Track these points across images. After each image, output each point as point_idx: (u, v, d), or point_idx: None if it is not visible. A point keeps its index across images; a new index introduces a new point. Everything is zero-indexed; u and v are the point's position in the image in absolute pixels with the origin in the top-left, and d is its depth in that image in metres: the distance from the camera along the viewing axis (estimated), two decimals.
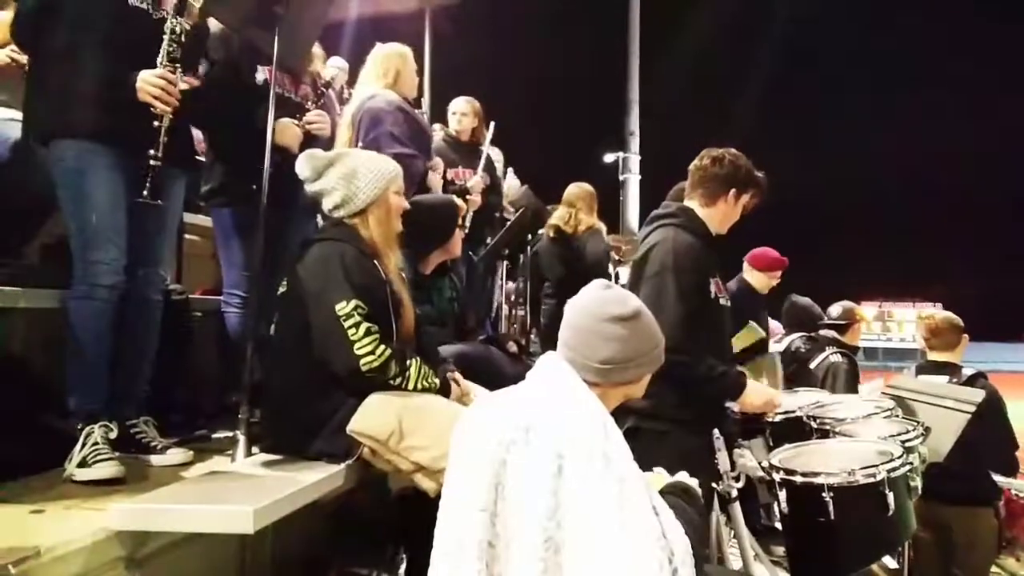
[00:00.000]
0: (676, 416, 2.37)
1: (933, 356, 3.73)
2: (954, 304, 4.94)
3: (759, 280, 4.81)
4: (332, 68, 4.65)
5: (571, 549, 1.36)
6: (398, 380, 2.17)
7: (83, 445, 2.04)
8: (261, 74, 2.80)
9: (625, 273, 4.03)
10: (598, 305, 1.59)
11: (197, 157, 2.78)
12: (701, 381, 2.42)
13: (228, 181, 2.81)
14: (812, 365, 4.82)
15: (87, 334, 2.12)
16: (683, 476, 1.79)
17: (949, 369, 3.62)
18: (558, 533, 1.37)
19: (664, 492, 1.64)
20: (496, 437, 1.47)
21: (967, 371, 3.59)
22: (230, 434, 2.44)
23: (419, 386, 2.22)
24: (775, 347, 5.47)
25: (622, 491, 1.38)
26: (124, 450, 2.19)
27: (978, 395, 2.92)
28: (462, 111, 4.55)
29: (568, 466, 1.39)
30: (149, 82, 2.15)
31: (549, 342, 5.25)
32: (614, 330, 1.55)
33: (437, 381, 2.30)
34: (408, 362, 2.21)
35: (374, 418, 2.09)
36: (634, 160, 13.53)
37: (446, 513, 1.50)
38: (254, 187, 2.46)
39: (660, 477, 1.77)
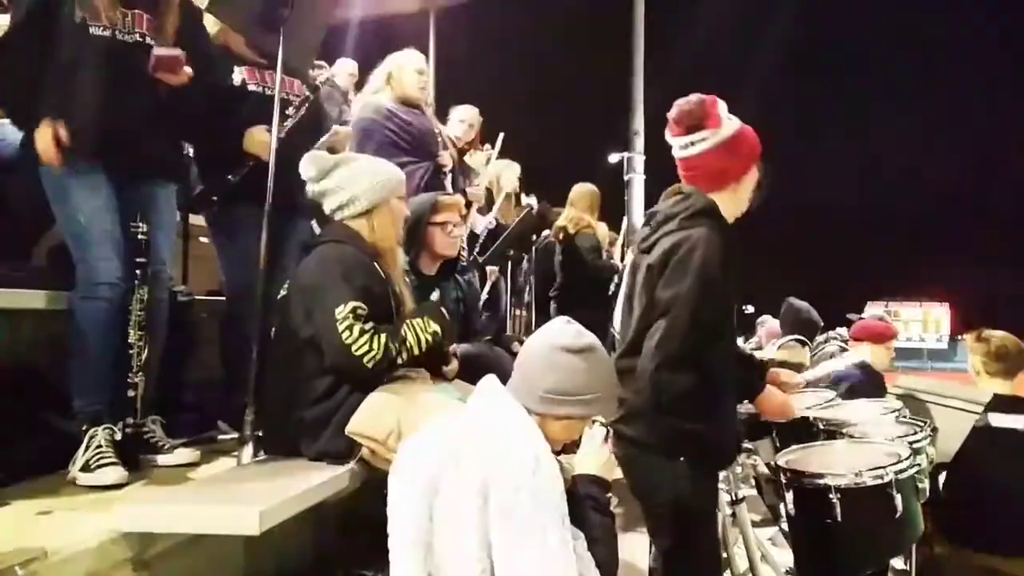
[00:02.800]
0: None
1: (994, 386, 3.10)
2: (961, 305, 4.92)
3: (878, 354, 4.19)
4: (343, 73, 4.66)
5: None
6: (404, 355, 2.19)
7: (86, 448, 2.04)
8: (238, 75, 2.81)
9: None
10: (552, 335, 1.60)
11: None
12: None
13: (208, 183, 2.82)
14: (812, 357, 4.84)
15: (90, 335, 2.13)
16: (590, 458, 1.67)
17: (1021, 406, 3.01)
18: (490, 563, 1.39)
19: (578, 485, 1.61)
20: (429, 470, 1.47)
21: None
22: (236, 435, 2.44)
23: (424, 342, 2.24)
24: (770, 349, 5.50)
25: (546, 529, 1.38)
26: (132, 450, 2.20)
27: (986, 395, 2.89)
28: (470, 121, 4.51)
29: (494, 497, 1.40)
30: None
31: None
32: (563, 360, 1.54)
33: (437, 327, 2.29)
34: (403, 332, 2.21)
35: (373, 419, 2.10)
36: (639, 160, 13.49)
37: (391, 544, 1.52)
38: (229, 177, 2.56)
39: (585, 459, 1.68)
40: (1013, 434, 2.82)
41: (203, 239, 3.81)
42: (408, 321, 2.26)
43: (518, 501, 1.39)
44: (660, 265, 2.08)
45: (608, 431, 1.71)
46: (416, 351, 2.23)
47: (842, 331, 5.11)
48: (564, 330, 1.60)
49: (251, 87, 2.80)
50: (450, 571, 1.43)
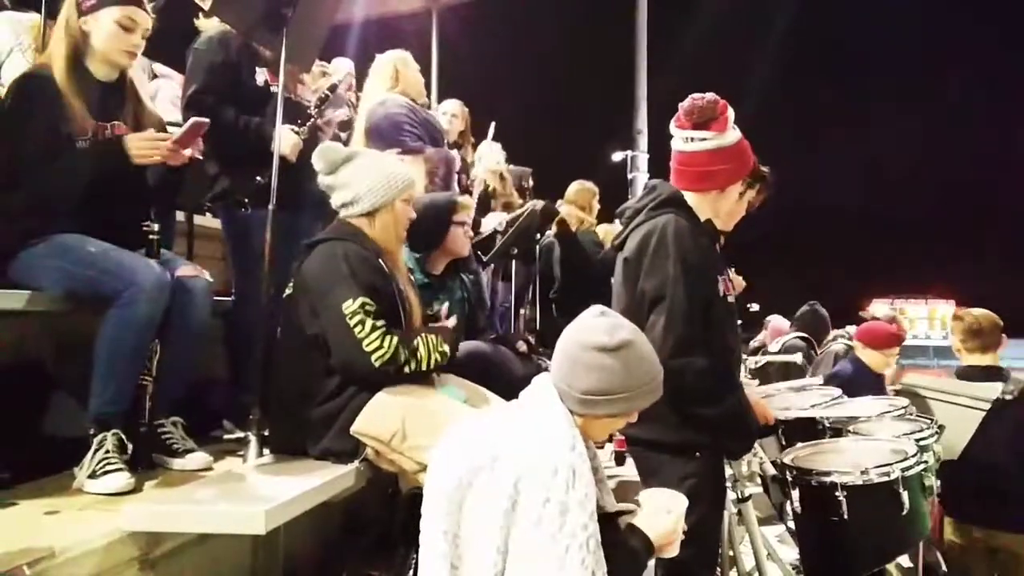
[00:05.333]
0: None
1: (972, 360, 3.37)
2: (966, 302, 4.90)
3: (874, 359, 4.28)
4: (339, 69, 4.66)
5: None
6: (412, 365, 2.17)
7: (94, 453, 2.02)
8: (261, 75, 2.82)
9: None
10: (585, 333, 1.54)
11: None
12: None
13: (233, 183, 2.82)
14: (819, 352, 4.87)
15: (128, 339, 2.10)
16: (656, 522, 1.61)
17: (995, 374, 3.28)
18: (506, 566, 1.39)
19: (629, 535, 1.58)
20: (467, 462, 1.47)
21: (1016, 377, 3.26)
22: (241, 435, 2.44)
23: (433, 360, 2.22)
24: (775, 346, 5.52)
25: (568, 547, 1.37)
26: (145, 450, 2.21)
27: (994, 391, 2.89)
28: (453, 112, 4.57)
29: (523, 503, 1.40)
30: (137, 147, 2.21)
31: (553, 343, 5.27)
32: (599, 360, 1.49)
33: (447, 348, 2.29)
34: (415, 342, 2.20)
35: (377, 419, 2.10)
36: (642, 159, 13.46)
37: (421, 532, 1.51)
38: (258, 179, 2.58)
39: (652, 520, 1.62)
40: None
41: (204, 239, 3.82)
42: (422, 335, 2.25)
43: (546, 512, 1.38)
44: (636, 258, 2.12)
45: (685, 503, 1.67)
46: (424, 366, 2.20)
47: (851, 329, 5.11)
48: (597, 326, 1.53)
49: (273, 88, 2.79)
50: (468, 565, 1.43)
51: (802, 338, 5.48)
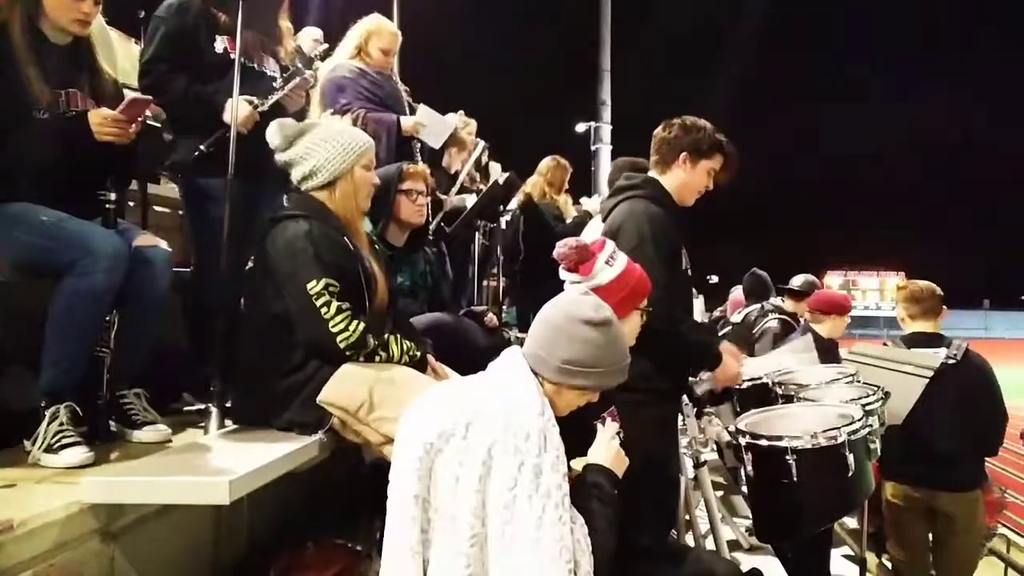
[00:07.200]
0: (653, 386, 2.39)
1: (916, 327, 3.55)
2: (916, 274, 5.08)
3: (833, 325, 4.46)
4: (308, 39, 4.54)
5: (492, 549, 1.43)
6: (382, 356, 2.19)
7: (47, 425, 1.97)
8: (220, 43, 2.74)
9: None
10: (572, 306, 1.63)
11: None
12: (697, 347, 2.56)
13: (183, 152, 2.75)
14: (755, 331, 5.00)
15: (86, 310, 2.04)
16: (602, 450, 1.72)
17: (938, 340, 3.45)
18: (482, 530, 1.43)
19: (587, 474, 1.67)
20: (438, 429, 1.51)
21: (958, 342, 3.42)
22: (202, 407, 2.43)
23: (402, 360, 2.24)
24: (735, 318, 5.66)
25: (544, 507, 1.42)
26: (104, 422, 2.18)
27: (936, 360, 3.01)
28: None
29: (497, 468, 1.44)
30: (99, 123, 2.15)
31: (521, 316, 5.31)
32: (583, 332, 1.58)
33: (419, 354, 2.31)
34: (387, 336, 2.23)
35: (344, 389, 2.10)
36: (606, 130, 13.50)
37: (389, 496, 1.55)
38: (201, 148, 2.54)
39: (597, 451, 1.73)
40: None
41: (158, 208, 3.74)
42: (395, 336, 2.26)
43: (521, 476, 1.42)
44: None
45: (620, 430, 1.76)
46: (393, 362, 2.24)
47: (777, 301, 5.24)
48: (584, 302, 1.64)
49: (232, 56, 2.70)
50: (441, 530, 1.47)
51: (763, 308, 5.61)
